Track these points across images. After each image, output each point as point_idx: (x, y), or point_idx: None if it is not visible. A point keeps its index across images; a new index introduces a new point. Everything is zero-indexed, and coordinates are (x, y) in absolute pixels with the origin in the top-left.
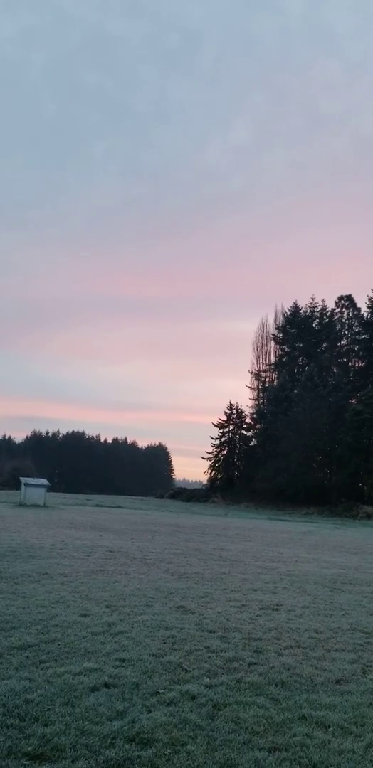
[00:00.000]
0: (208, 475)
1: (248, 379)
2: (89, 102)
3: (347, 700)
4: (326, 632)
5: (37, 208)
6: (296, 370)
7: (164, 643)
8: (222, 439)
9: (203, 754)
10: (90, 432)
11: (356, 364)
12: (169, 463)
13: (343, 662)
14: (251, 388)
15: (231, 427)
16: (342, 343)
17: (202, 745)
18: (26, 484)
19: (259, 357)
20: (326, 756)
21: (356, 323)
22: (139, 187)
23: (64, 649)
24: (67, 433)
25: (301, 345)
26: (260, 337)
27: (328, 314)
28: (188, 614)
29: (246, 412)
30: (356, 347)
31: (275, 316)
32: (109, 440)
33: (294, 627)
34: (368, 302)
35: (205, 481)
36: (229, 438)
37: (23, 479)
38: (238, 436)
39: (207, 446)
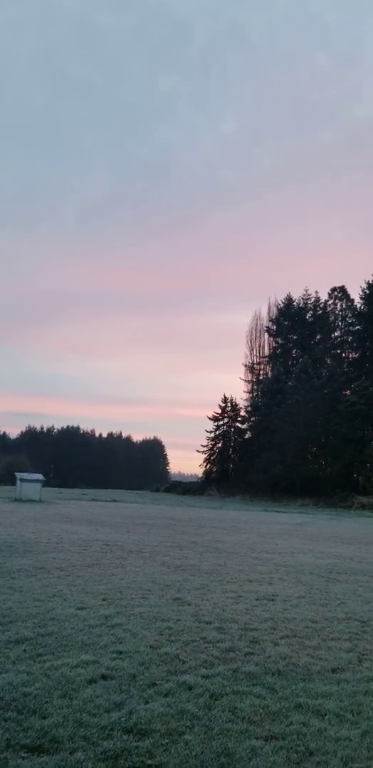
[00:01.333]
0: (203, 468)
1: (242, 372)
2: (77, 95)
3: (343, 688)
4: (321, 621)
5: (27, 203)
6: (290, 362)
7: (161, 634)
8: (217, 432)
9: (200, 744)
10: (85, 427)
11: (350, 356)
12: (164, 457)
13: (339, 651)
14: (245, 380)
15: (226, 420)
16: (336, 334)
17: (199, 734)
18: (21, 480)
19: (253, 350)
20: (323, 744)
21: (350, 314)
22: (130, 181)
23: (61, 642)
24: (62, 428)
25: (295, 337)
26: (253, 330)
27: (321, 306)
28: (184, 606)
29: (241, 405)
30: (350, 338)
31: (269, 308)
32: (104, 435)
33: (290, 617)
34: (361, 293)
35: (200, 474)
36: (224, 431)
37: (18, 474)
38: (232, 429)
39: (202, 439)
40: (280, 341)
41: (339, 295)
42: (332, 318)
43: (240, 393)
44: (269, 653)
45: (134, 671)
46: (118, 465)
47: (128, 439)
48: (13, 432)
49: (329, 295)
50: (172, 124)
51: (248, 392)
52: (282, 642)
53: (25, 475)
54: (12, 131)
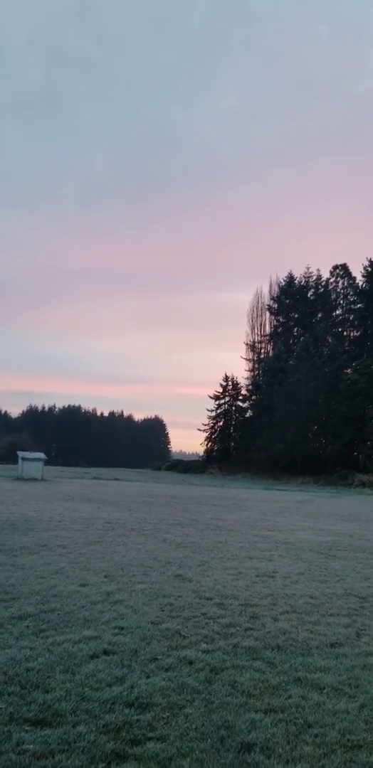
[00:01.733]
0: (204, 447)
1: (243, 351)
2: (76, 70)
3: (342, 662)
4: (321, 597)
5: (25, 181)
6: (291, 341)
7: (162, 610)
8: (218, 411)
9: (200, 717)
10: (86, 406)
11: (351, 334)
12: (165, 436)
13: (337, 626)
14: (246, 359)
15: (227, 398)
16: (337, 312)
17: (199, 708)
18: (23, 458)
19: (254, 328)
20: (321, 716)
21: (351, 293)
22: (130, 157)
23: (63, 618)
24: (64, 407)
25: (296, 315)
26: (254, 308)
27: (323, 284)
28: (185, 582)
29: (242, 384)
30: (351, 317)
31: (270, 286)
32: (106, 414)
33: (290, 593)
34: (363, 271)
35: (201, 453)
36: (225, 410)
37: (20, 453)
38: (234, 408)
39: (203, 418)
40: (281, 320)
41: (341, 273)
42: (333, 296)
43: (241, 372)
44: (268, 628)
45: (136, 646)
46: (120, 444)
47: (130, 418)
48: (15, 411)
49: (331, 273)
50: (172, 100)
51: (249, 371)
52: (282, 617)
53: (27, 454)
54: (10, 107)
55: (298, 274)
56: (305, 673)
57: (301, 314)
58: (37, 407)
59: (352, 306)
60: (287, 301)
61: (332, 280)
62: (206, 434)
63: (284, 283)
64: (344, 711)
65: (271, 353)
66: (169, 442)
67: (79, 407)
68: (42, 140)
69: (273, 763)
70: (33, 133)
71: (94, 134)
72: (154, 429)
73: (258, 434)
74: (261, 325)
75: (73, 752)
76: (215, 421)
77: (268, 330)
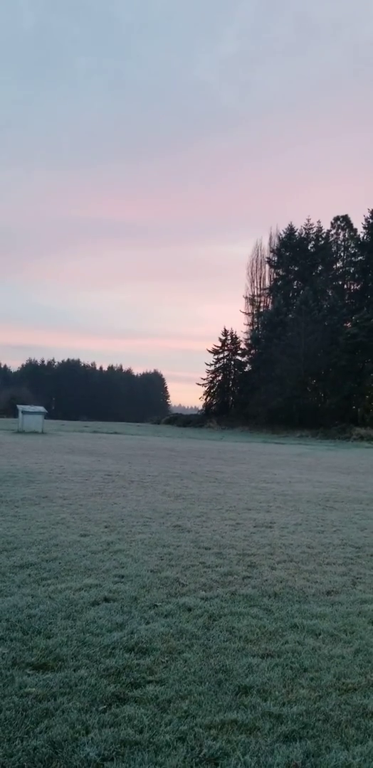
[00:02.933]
0: (203, 401)
1: (242, 305)
2: (70, 13)
3: (337, 609)
4: (317, 547)
5: (18, 128)
6: (290, 294)
7: (161, 559)
8: (217, 365)
9: (199, 661)
10: (85, 360)
11: (352, 287)
12: (164, 390)
13: (334, 575)
14: (245, 313)
15: (226, 353)
16: (338, 265)
17: (198, 653)
18: (24, 412)
19: (253, 281)
20: (317, 661)
21: (352, 245)
22: (126, 104)
23: (64, 566)
24: (63, 361)
25: (296, 268)
26: (254, 261)
27: (323, 236)
28: (184, 533)
29: (241, 338)
30: (352, 269)
31: (270, 239)
32: (105, 368)
33: (287, 543)
34: (364, 223)
35: (200, 407)
36: (224, 364)
37: (20, 407)
38: (233, 362)
39: (202, 372)
40: (281, 273)
41: (342, 224)
42: (334, 248)
43: (241, 326)
44: (266, 577)
45: (136, 594)
46: (119, 398)
47: (129, 372)
48: (14, 365)
49: (332, 224)
50: (169, 44)
51: (248, 325)
52: (279, 566)
53: (27, 408)
54: (1, 53)
55: (298, 226)
56: (302, 620)
57: (301, 267)
58: (36, 361)
59: (353, 258)
60: (287, 254)
61: (332, 232)
62: (204, 388)
63: (284, 236)
64: (339, 656)
65: (270, 307)
66: (169, 396)
67: (79, 361)
68: (35, 86)
69: (269, 706)
70: (26, 80)
71: (89, 79)
72: (154, 383)
73: (257, 388)
74: (261, 278)
75: (75, 695)
76: (213, 376)
77: (267, 283)
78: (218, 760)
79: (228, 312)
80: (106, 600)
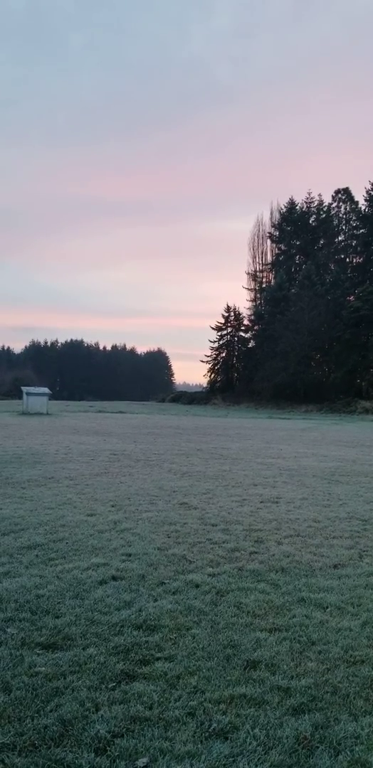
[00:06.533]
0: (207, 378)
1: (245, 281)
2: None
3: (344, 582)
4: (324, 521)
5: (13, 107)
6: (293, 269)
7: (168, 537)
8: (220, 342)
9: (207, 637)
10: (88, 340)
11: (354, 260)
12: (169, 368)
13: (340, 548)
14: (248, 289)
15: (229, 329)
16: (340, 239)
17: (206, 629)
18: (28, 393)
19: (255, 257)
20: (324, 634)
21: (354, 218)
22: (121, 80)
23: (72, 546)
24: (66, 341)
25: (298, 243)
26: (256, 237)
27: (325, 209)
28: (190, 510)
29: (244, 314)
30: (354, 242)
31: (271, 213)
32: (108, 347)
33: (293, 518)
34: (366, 195)
35: (205, 384)
36: (227, 341)
37: (25, 389)
38: (236, 339)
39: (206, 349)
40: (283, 248)
41: (343, 197)
42: (335, 222)
43: (243, 302)
44: (272, 552)
45: (143, 572)
46: (124, 377)
47: (132, 351)
48: (18, 347)
49: (333, 197)
50: (162, 18)
51: (251, 300)
52: (285, 541)
53: (32, 389)
54: None
55: (299, 200)
56: (309, 594)
57: (303, 241)
58: (39, 342)
59: (355, 231)
60: (289, 229)
61: (334, 205)
62: (209, 365)
63: (285, 210)
64: (346, 629)
65: (272, 282)
66: (173, 374)
67: (82, 341)
68: (30, 64)
69: (278, 679)
70: (20, 58)
71: (84, 56)
72: (158, 361)
73: (261, 364)
74: (262, 253)
75: (84, 673)
76: (217, 353)
77: (269, 259)
78: (227, 734)
79: (231, 288)
80: (114, 579)
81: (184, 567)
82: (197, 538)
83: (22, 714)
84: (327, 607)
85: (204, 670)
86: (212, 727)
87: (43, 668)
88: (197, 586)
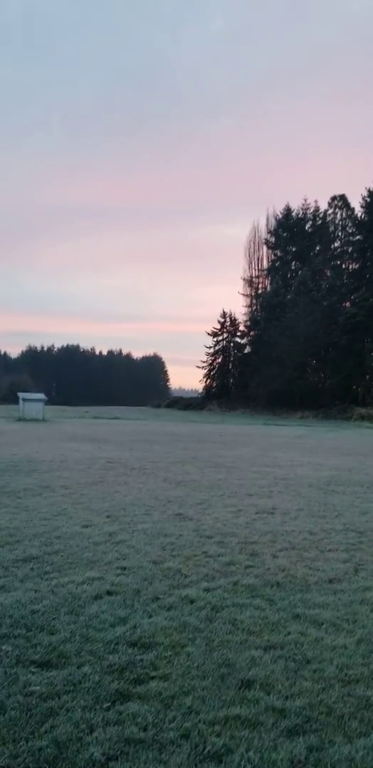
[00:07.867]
0: (203, 384)
1: (240, 286)
2: None
3: (340, 598)
4: (319, 533)
5: (10, 115)
6: (289, 275)
7: (163, 549)
8: (216, 348)
9: (202, 655)
10: (85, 345)
11: (350, 267)
12: (164, 373)
13: (336, 562)
14: (244, 295)
15: (225, 335)
16: (336, 245)
17: (201, 646)
18: (24, 399)
19: (251, 263)
20: (320, 652)
21: (350, 224)
22: (116, 85)
23: (67, 559)
24: (62, 346)
25: (294, 249)
26: (252, 243)
27: (321, 216)
28: (186, 521)
29: (240, 320)
30: (350, 249)
31: (267, 219)
32: (105, 352)
33: (289, 529)
34: (362, 201)
35: (200, 390)
36: (223, 346)
37: (21, 394)
38: (232, 344)
39: (202, 355)
40: (279, 254)
41: (339, 204)
42: (331, 228)
43: (239, 308)
44: (268, 566)
45: (138, 586)
46: (120, 382)
47: (128, 356)
48: (14, 351)
49: (329, 204)
50: (157, 25)
51: (247, 307)
52: (281, 554)
53: (28, 395)
54: None
55: (295, 206)
56: (304, 610)
57: (299, 247)
58: (36, 347)
59: (351, 238)
60: (285, 235)
61: (330, 211)
62: (204, 371)
63: (281, 216)
64: (342, 646)
65: (268, 288)
66: (169, 379)
67: (78, 346)
68: (25, 72)
69: (273, 700)
70: (14, 64)
71: (79, 64)
72: (153, 367)
73: (257, 370)
74: (258, 259)
75: (79, 693)
76: (213, 358)
77: (265, 265)
78: (222, 757)
79: (227, 294)
80: (109, 593)
81: (179, 581)
82: (192, 550)
83: (16, 735)
84: (322, 624)
85: (199, 690)
86: (206, 750)
87: (38, 687)
88: (192, 601)
